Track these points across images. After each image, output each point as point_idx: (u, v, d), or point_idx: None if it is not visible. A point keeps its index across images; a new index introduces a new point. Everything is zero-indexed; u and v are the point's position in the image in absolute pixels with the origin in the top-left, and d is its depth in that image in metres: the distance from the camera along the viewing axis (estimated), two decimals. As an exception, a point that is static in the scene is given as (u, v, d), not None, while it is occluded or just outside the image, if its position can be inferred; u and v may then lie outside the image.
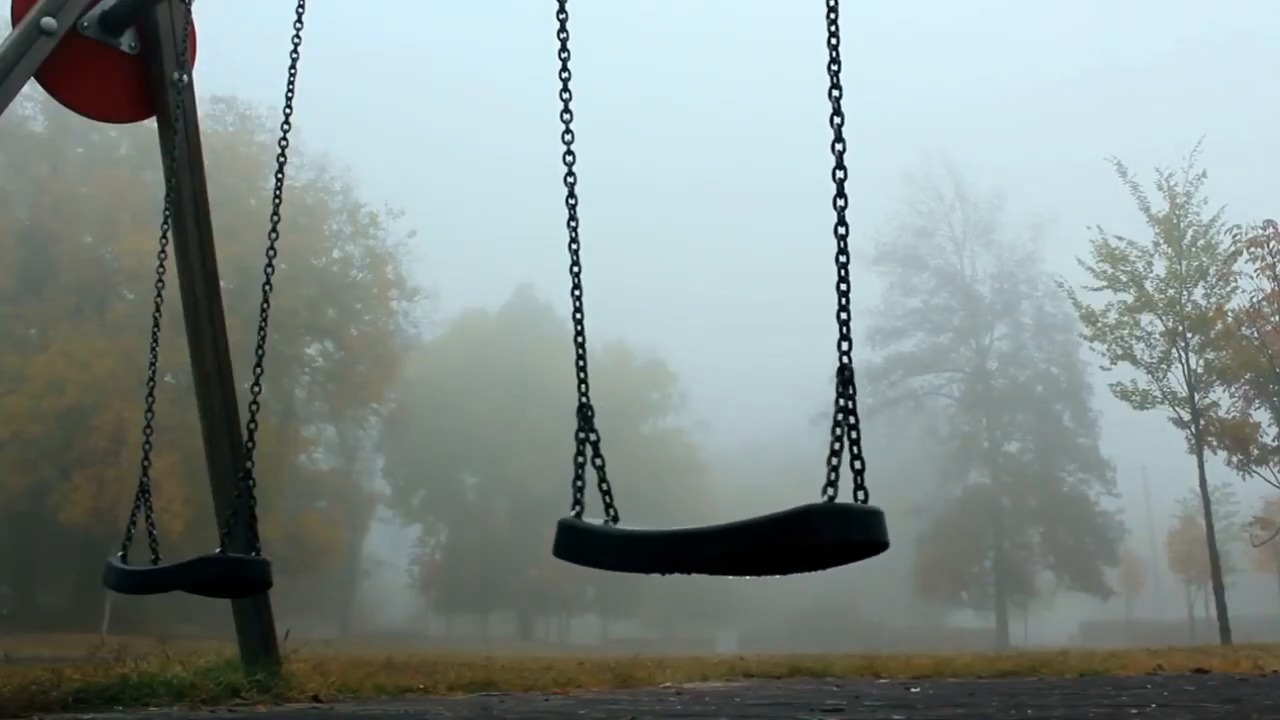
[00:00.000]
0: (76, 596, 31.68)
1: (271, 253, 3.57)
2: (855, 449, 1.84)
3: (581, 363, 2.33)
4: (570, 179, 2.41)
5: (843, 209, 1.92)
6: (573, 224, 2.40)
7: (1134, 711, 3.30)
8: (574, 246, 2.39)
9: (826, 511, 1.75)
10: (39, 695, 3.74)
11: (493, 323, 58.48)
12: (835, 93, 1.95)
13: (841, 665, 8.03)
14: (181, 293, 4.56)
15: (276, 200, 3.68)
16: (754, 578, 2.05)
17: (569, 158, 2.42)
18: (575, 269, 2.38)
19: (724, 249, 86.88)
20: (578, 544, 2.07)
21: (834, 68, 1.96)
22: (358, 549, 49.19)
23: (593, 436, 2.21)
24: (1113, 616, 55.24)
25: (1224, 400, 22.28)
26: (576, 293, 2.36)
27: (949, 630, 50.84)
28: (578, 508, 2.13)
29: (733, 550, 1.82)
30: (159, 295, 3.93)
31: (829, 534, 1.74)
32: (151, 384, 3.88)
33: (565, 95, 2.44)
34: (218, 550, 3.51)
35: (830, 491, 1.78)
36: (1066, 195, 52.71)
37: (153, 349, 3.89)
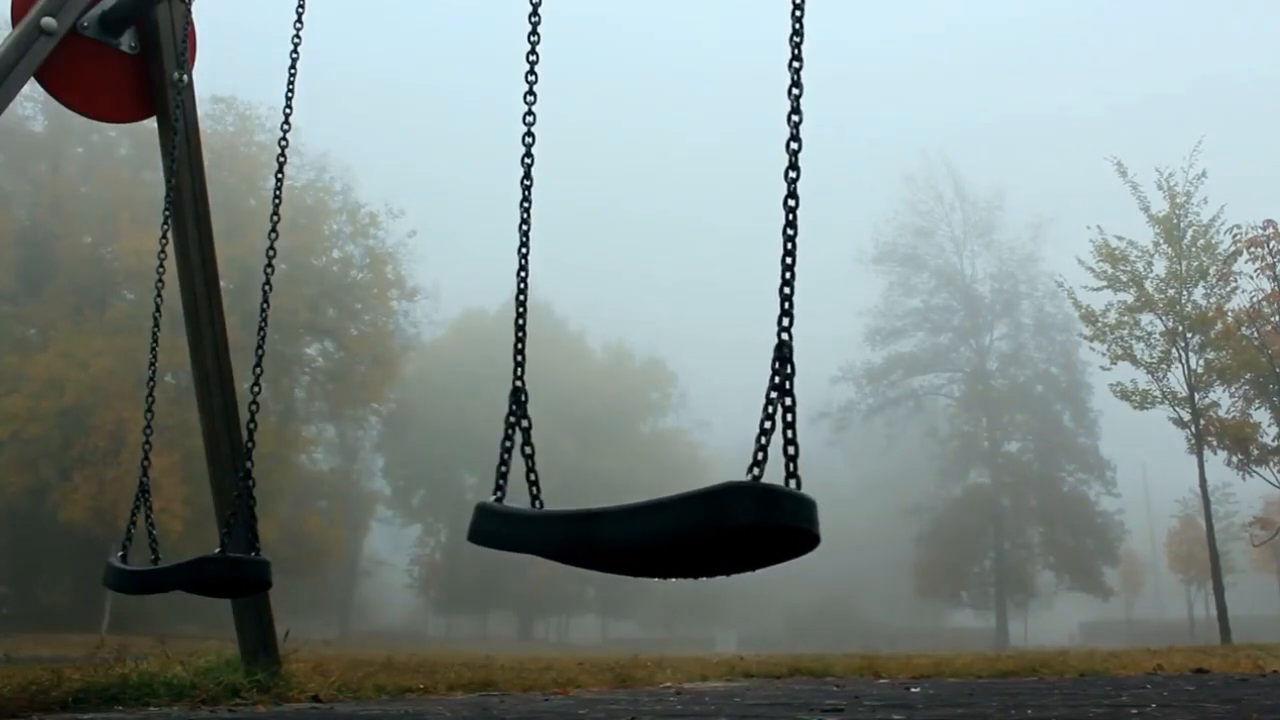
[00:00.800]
0: (76, 596, 31.65)
1: (271, 253, 3.57)
2: (790, 432, 1.71)
3: (520, 345, 2.30)
4: (528, 160, 2.42)
5: (794, 180, 1.86)
6: (525, 205, 2.41)
7: (1134, 711, 3.30)
8: (525, 228, 2.39)
9: (746, 490, 1.60)
10: (39, 695, 3.74)
11: (493, 323, 58.41)
12: (795, 64, 1.92)
13: (841, 665, 8.04)
14: (181, 293, 4.56)
15: (276, 200, 3.69)
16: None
17: (528, 139, 2.42)
18: (523, 249, 2.38)
19: (725, 249, 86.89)
20: (492, 527, 1.98)
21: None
22: (358, 549, 49.18)
23: (525, 423, 2.17)
24: (1113, 616, 55.26)
25: (1224, 400, 22.30)
26: (522, 274, 2.36)
27: (949, 630, 50.85)
28: (499, 493, 2.07)
29: (647, 529, 1.69)
30: (159, 295, 3.93)
31: (747, 514, 1.58)
32: (151, 384, 3.88)
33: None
34: (218, 550, 3.51)
35: (755, 471, 1.65)
36: (1066, 195, 52.74)
37: (153, 349, 3.89)
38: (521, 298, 2.33)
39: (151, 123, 4.68)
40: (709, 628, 54.43)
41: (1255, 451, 21.71)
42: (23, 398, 27.95)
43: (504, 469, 2.13)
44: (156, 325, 3.90)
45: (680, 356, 61.03)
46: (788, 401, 1.72)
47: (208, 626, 24.60)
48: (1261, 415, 22.14)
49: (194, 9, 4.57)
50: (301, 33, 3.73)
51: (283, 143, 3.73)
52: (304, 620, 35.86)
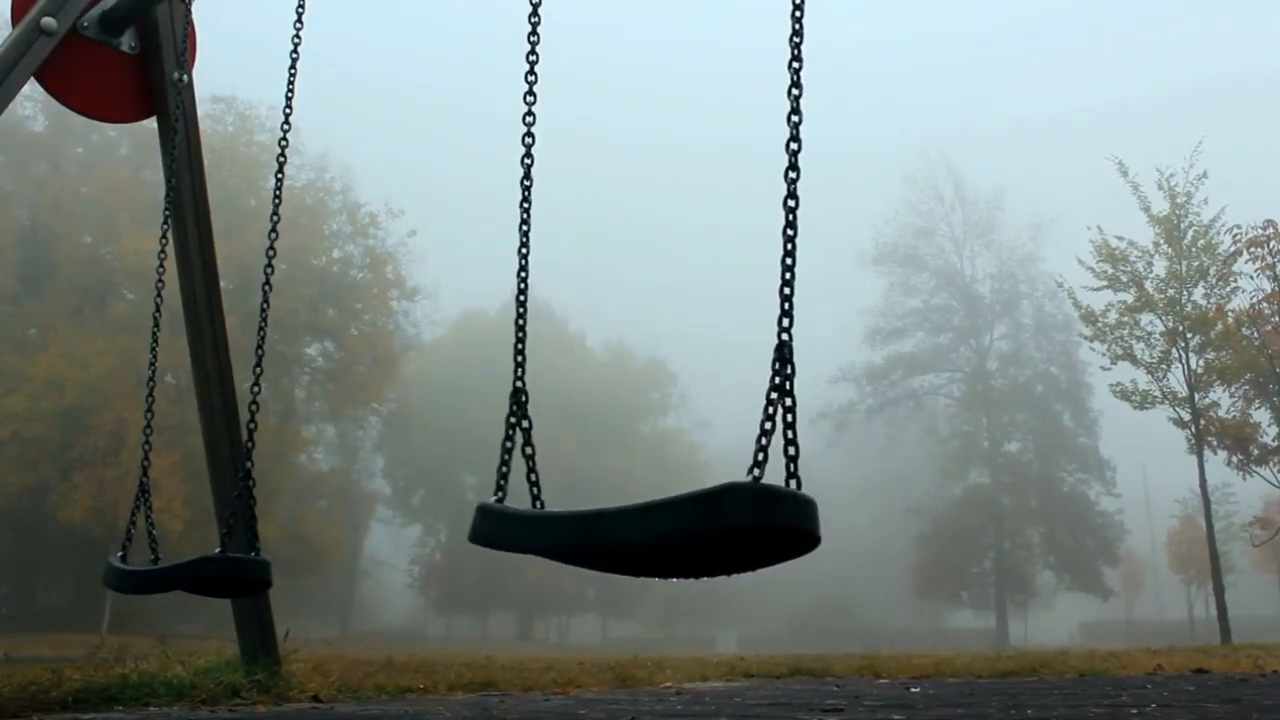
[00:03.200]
0: (76, 596, 31.67)
1: (271, 253, 3.57)
2: (790, 432, 1.72)
3: (520, 346, 2.31)
4: (528, 160, 2.42)
5: (794, 180, 1.86)
6: (525, 205, 2.41)
7: (1134, 711, 3.30)
8: (525, 229, 2.39)
9: (747, 490, 1.61)
10: (39, 695, 3.74)
11: (493, 323, 58.41)
12: (795, 65, 1.92)
13: (841, 665, 8.04)
14: (181, 293, 4.56)
15: (276, 200, 3.69)
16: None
17: (528, 139, 2.42)
18: (524, 249, 2.38)
19: (725, 249, 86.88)
20: (490, 527, 1.98)
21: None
22: (358, 549, 49.18)
23: (525, 423, 2.17)
24: (1113, 616, 55.26)
25: (1224, 400, 22.29)
26: (522, 274, 2.36)
27: (949, 630, 50.84)
28: (500, 494, 2.07)
29: (648, 529, 1.70)
30: (159, 295, 3.93)
31: (748, 515, 1.59)
32: (151, 384, 3.88)
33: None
34: (218, 550, 3.51)
35: (756, 471, 1.66)
36: (1066, 196, 52.77)
37: (153, 349, 3.89)
38: (522, 298, 2.34)
39: (151, 123, 4.68)
40: (709, 628, 54.42)
41: (1255, 451, 21.71)
42: (23, 398, 27.94)
43: (505, 469, 2.13)
44: (156, 325, 3.90)
45: (680, 356, 61.08)
46: (788, 402, 1.73)
47: (208, 626, 24.61)
48: (1261, 415, 22.15)
49: (194, 9, 4.57)
50: (301, 33, 3.73)
51: (283, 143, 3.73)
52: (304, 620, 35.86)
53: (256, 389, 3.39)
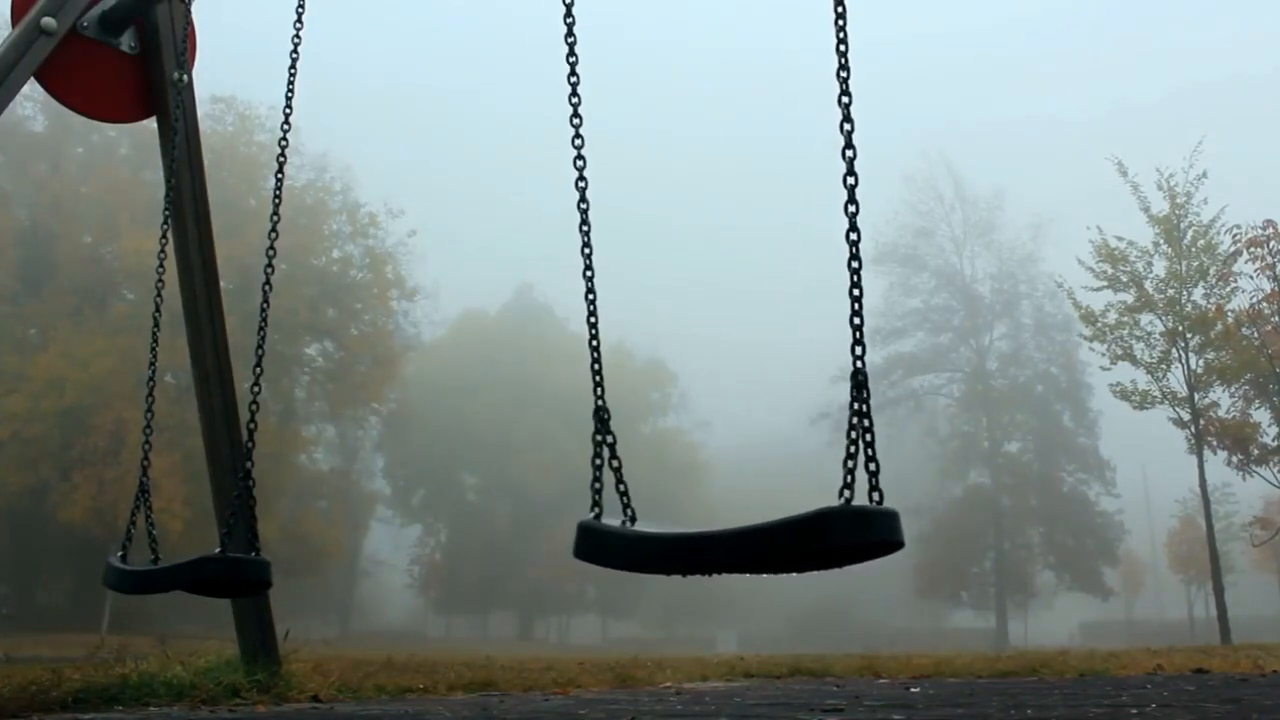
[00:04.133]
0: (76, 596, 31.67)
1: (271, 253, 3.57)
2: (870, 451, 1.85)
3: (597, 366, 2.38)
4: (581, 183, 2.43)
5: (854, 215, 1.95)
6: (585, 228, 2.42)
7: (1134, 711, 3.30)
8: (587, 251, 2.42)
9: (844, 514, 1.77)
10: (39, 695, 3.74)
11: (493, 323, 58.48)
12: (844, 99, 1.97)
13: (841, 665, 8.04)
14: (181, 293, 4.56)
15: (276, 200, 3.68)
16: (756, 577, 2.06)
17: (579, 162, 2.43)
18: (588, 273, 2.40)
19: (725, 249, 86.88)
20: (596, 546, 2.10)
21: (843, 74, 1.97)
22: (358, 549, 49.18)
23: (610, 439, 2.23)
24: (1113, 616, 55.26)
25: (1224, 400, 22.29)
26: (591, 296, 2.40)
27: (949, 630, 50.84)
28: (597, 509, 2.15)
29: (751, 553, 1.84)
30: (159, 295, 3.93)
31: (847, 537, 1.77)
32: (151, 384, 3.87)
33: (574, 100, 2.46)
34: (218, 550, 3.51)
35: (846, 494, 1.80)
36: (1066, 196, 52.76)
37: (153, 349, 3.89)
38: (592, 319, 2.40)
39: (151, 123, 4.67)
40: (709, 628, 54.42)
41: (1255, 451, 21.70)
42: (23, 398, 27.95)
43: (598, 485, 2.19)
44: (156, 325, 3.89)
45: (680, 356, 61.09)
46: (867, 424, 1.87)
47: (208, 626, 24.59)
48: (1261, 415, 22.14)
49: (194, 9, 4.57)
50: (301, 33, 3.73)
51: (283, 143, 3.73)
52: (304, 620, 35.85)
53: (256, 389, 3.39)
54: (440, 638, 52.81)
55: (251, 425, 3.42)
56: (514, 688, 5.54)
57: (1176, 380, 22.04)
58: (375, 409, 41.51)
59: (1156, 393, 22.16)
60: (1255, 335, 21.63)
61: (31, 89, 4.43)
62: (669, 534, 2.00)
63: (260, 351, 3.45)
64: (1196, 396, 21.78)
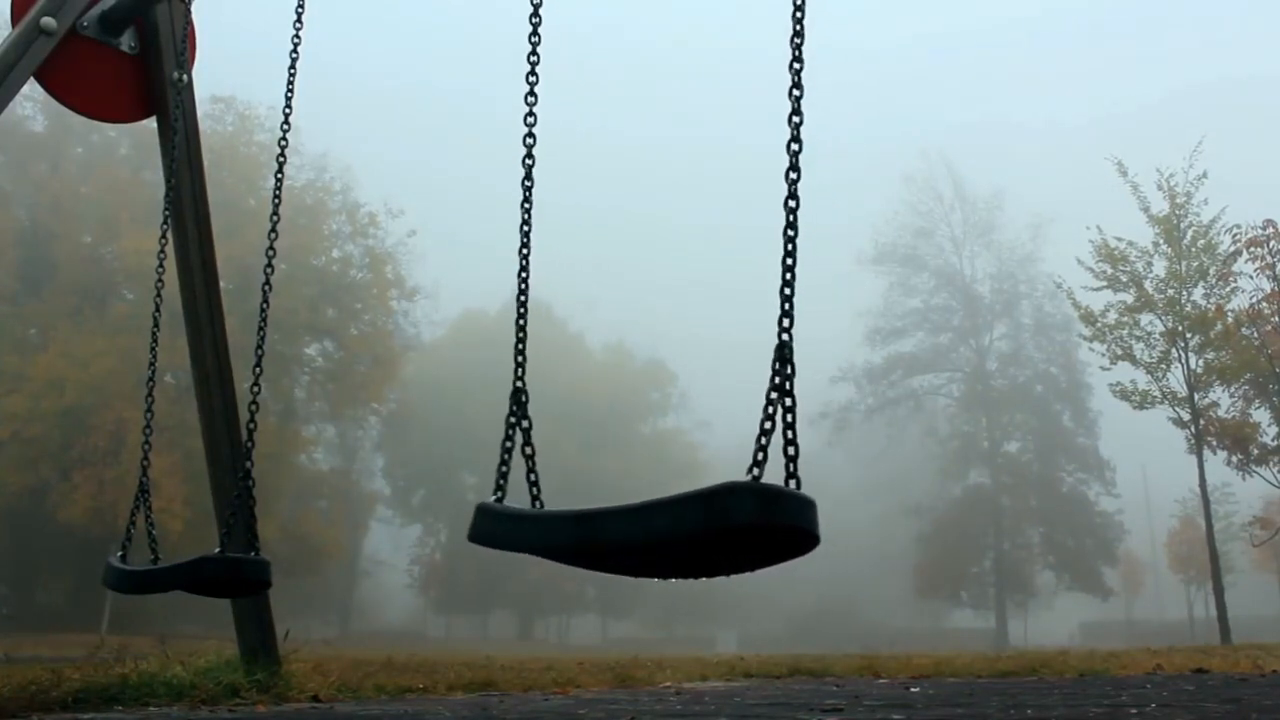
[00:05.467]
0: (76, 596, 31.65)
1: (271, 253, 3.57)
2: (790, 432, 1.72)
3: (520, 346, 2.32)
4: (528, 160, 2.43)
5: (794, 181, 1.88)
6: (526, 206, 2.42)
7: (1134, 711, 3.30)
8: (525, 229, 2.41)
9: (746, 490, 1.61)
10: (39, 695, 3.74)
11: (493, 323, 58.39)
12: (796, 66, 1.93)
13: (841, 665, 8.04)
14: (181, 293, 4.56)
15: (276, 200, 3.69)
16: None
17: (529, 140, 2.43)
18: (524, 250, 2.39)
19: (724, 249, 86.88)
20: (489, 527, 2.00)
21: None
22: (358, 549, 49.17)
23: (525, 423, 2.19)
24: (1112, 616, 55.25)
25: (1224, 400, 22.29)
26: (523, 275, 2.37)
27: (949, 630, 50.84)
28: (499, 494, 2.08)
29: (647, 529, 1.70)
30: (159, 295, 3.93)
31: (747, 514, 1.59)
32: (151, 384, 3.88)
33: (531, 92, 2.45)
34: (218, 550, 3.51)
35: (755, 471, 1.66)
36: (1066, 196, 52.77)
37: (153, 349, 3.89)
38: (522, 298, 2.35)
39: (151, 123, 4.68)
40: (709, 628, 54.41)
41: (1255, 451, 21.70)
42: (23, 398, 27.94)
43: (504, 469, 2.14)
44: (156, 325, 3.90)
45: (680, 356, 61.08)
46: (788, 402, 1.73)
47: (208, 626, 24.59)
48: (1261, 415, 22.14)
49: (194, 9, 4.57)
50: (301, 33, 3.74)
51: (283, 143, 3.73)
52: (304, 620, 35.86)
53: (256, 389, 3.39)
54: (440, 638, 52.80)
55: (251, 425, 3.43)
56: (514, 688, 5.54)
57: (1176, 380, 22.06)
58: (375, 409, 41.51)
59: (1156, 393, 22.17)
60: (1255, 335, 21.63)
61: (31, 89, 4.43)
62: (564, 511, 1.87)
63: (260, 351, 3.46)
64: (1196, 396, 21.78)
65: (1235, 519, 36.16)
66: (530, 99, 2.43)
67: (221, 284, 4.73)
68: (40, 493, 29.31)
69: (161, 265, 3.98)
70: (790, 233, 1.85)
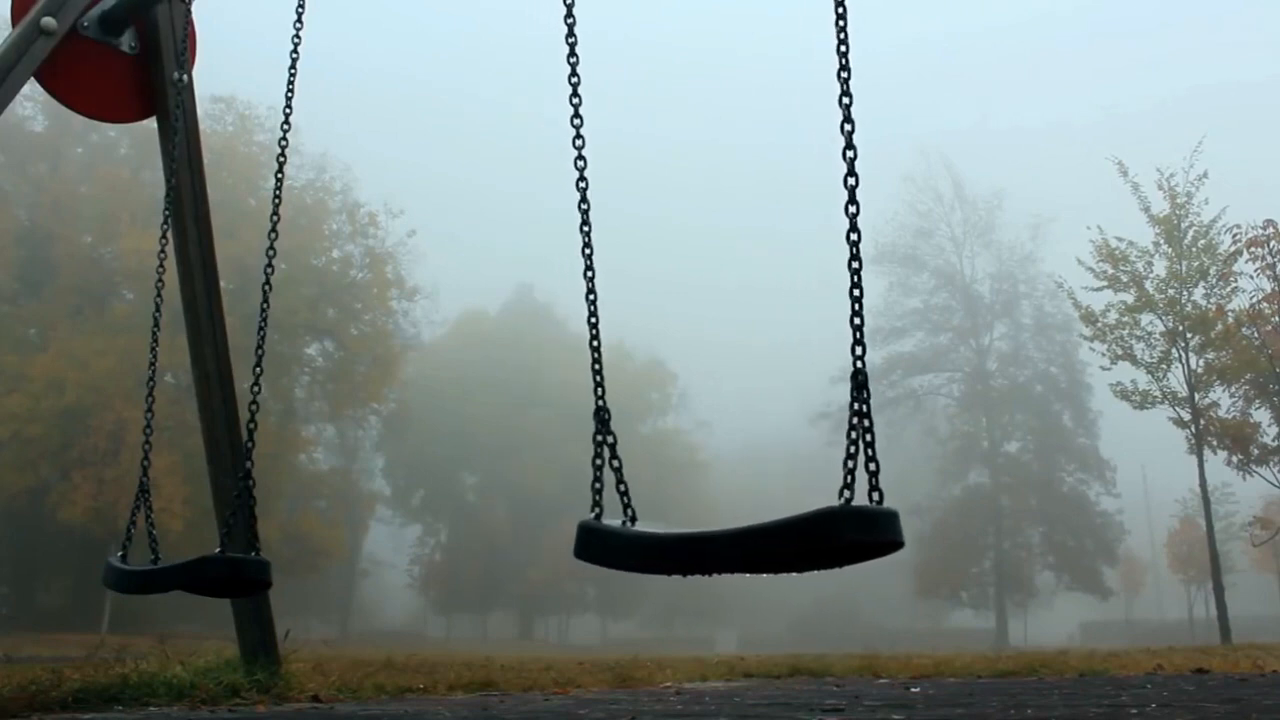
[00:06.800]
0: (76, 596, 31.67)
1: (271, 253, 3.57)
2: (870, 451, 1.85)
3: (597, 366, 2.38)
4: (582, 184, 2.43)
5: (855, 215, 1.94)
6: (585, 229, 2.43)
7: (1134, 711, 3.30)
8: (588, 251, 2.42)
9: (845, 514, 1.77)
10: (39, 695, 3.74)
11: (493, 323, 58.50)
12: (845, 100, 1.97)
13: (841, 665, 8.03)
14: (181, 293, 4.56)
15: (276, 200, 3.69)
16: (756, 577, 2.06)
17: (580, 162, 2.43)
18: (589, 273, 2.41)
19: (724, 249, 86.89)
20: (598, 546, 2.11)
21: (843, 75, 1.97)
22: (358, 549, 49.18)
23: (610, 439, 2.23)
24: (1112, 616, 55.24)
25: (1224, 400, 22.27)
26: (591, 297, 2.41)
27: (949, 630, 50.83)
28: (597, 510, 2.15)
29: (752, 553, 1.85)
30: (159, 295, 3.93)
31: (848, 536, 1.77)
32: (151, 384, 3.87)
33: (575, 100, 2.46)
34: (218, 550, 3.51)
35: (847, 494, 1.80)
36: (1066, 196, 52.76)
37: (153, 349, 3.89)
38: (593, 319, 2.40)
39: (151, 123, 4.67)
40: (709, 628, 54.41)
41: (1255, 451, 21.68)
42: (23, 398, 27.94)
43: (598, 485, 2.19)
44: (156, 325, 3.90)
45: (680, 356, 61.10)
46: (867, 424, 1.86)
47: (208, 626, 24.59)
48: (1261, 415, 22.13)
49: (194, 9, 4.57)
50: (301, 32, 3.73)
51: (283, 143, 3.73)
52: (304, 620, 35.89)
53: (256, 389, 3.39)
54: (440, 638, 52.79)
55: (251, 425, 3.42)
56: (514, 688, 5.54)
57: (1176, 380, 22.04)
58: (375, 409, 41.51)
59: (1156, 393, 22.16)
60: (1255, 335, 21.61)
61: (31, 89, 4.43)
62: (670, 534, 2.00)
63: (260, 351, 3.45)
64: (1196, 396, 21.77)
65: (1235, 519, 36.17)
66: (576, 121, 2.44)
67: (221, 284, 4.73)
68: (40, 493, 29.31)
69: (161, 265, 3.97)
70: (855, 265, 1.95)
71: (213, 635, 16.60)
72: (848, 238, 1.93)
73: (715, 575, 2.05)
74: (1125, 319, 22.52)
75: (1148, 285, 22.41)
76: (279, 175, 3.80)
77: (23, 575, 33.27)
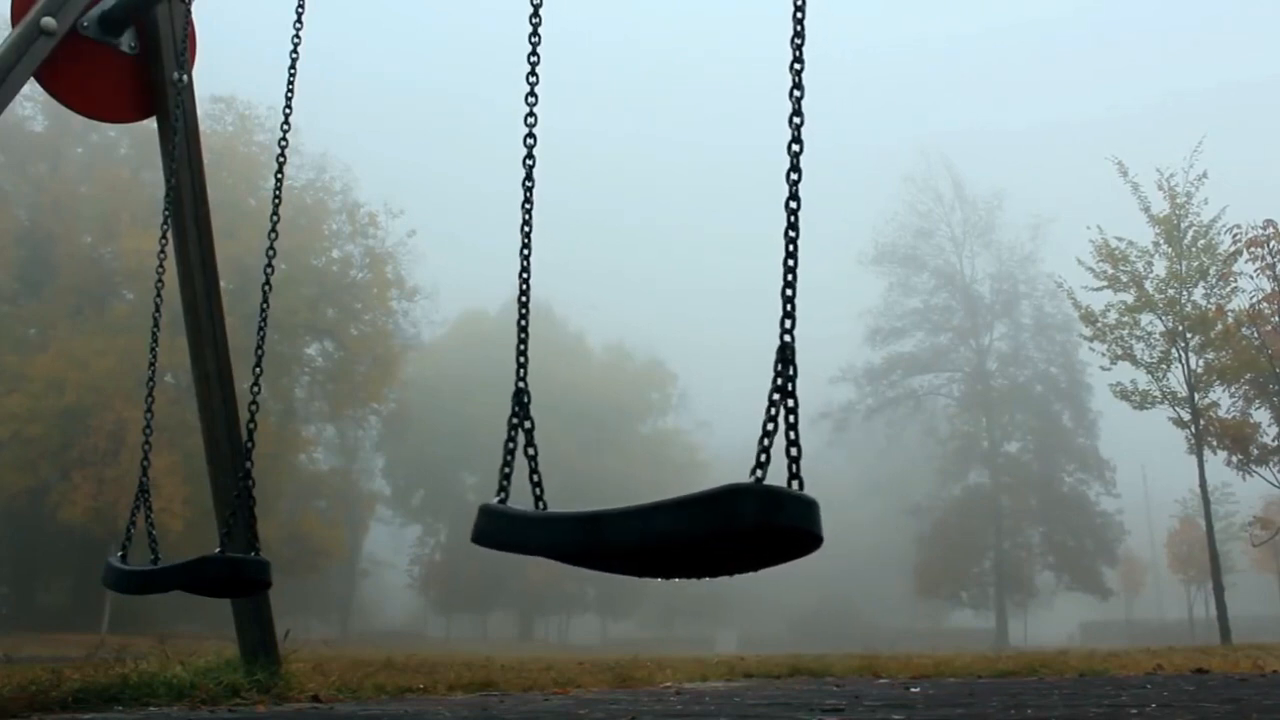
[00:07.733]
0: (76, 596, 31.67)
1: (271, 253, 3.58)
2: (792, 433, 1.73)
3: (522, 346, 2.30)
4: (529, 161, 2.42)
5: (795, 182, 1.87)
6: (527, 206, 2.41)
7: (1134, 711, 3.30)
8: (526, 230, 2.40)
9: (750, 491, 1.62)
10: (39, 695, 3.74)
11: (493, 323, 58.39)
12: (796, 66, 1.93)
13: (841, 665, 8.04)
14: (181, 293, 4.56)
15: (276, 200, 3.69)
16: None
17: (529, 140, 2.42)
18: (525, 251, 2.39)
19: (724, 250, 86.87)
20: (492, 529, 2.00)
21: (797, 42, 1.94)
22: (358, 549, 49.18)
23: (528, 423, 2.17)
24: (1112, 616, 55.25)
25: (1224, 400, 22.27)
26: (524, 275, 2.37)
27: (949, 630, 50.83)
28: (502, 494, 2.07)
29: (651, 530, 1.71)
30: (159, 295, 3.93)
31: (751, 516, 1.61)
32: (151, 384, 3.88)
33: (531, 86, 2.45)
34: (218, 550, 3.51)
35: (759, 473, 1.67)
36: (1066, 196, 52.77)
37: (153, 349, 3.89)
38: (523, 299, 2.34)
39: (151, 123, 4.67)
40: (709, 628, 54.39)
41: (1255, 451, 21.68)
42: (23, 398, 27.94)
43: (507, 470, 2.12)
44: (156, 325, 3.90)
45: (680, 357, 61.09)
46: (790, 403, 1.73)
47: (208, 626, 24.59)
48: (1261, 415, 22.13)
49: (194, 9, 4.57)
50: (301, 33, 3.74)
51: (283, 143, 3.73)
52: (304, 620, 35.89)
53: (256, 389, 3.39)
54: (440, 638, 52.78)
55: (251, 425, 3.43)
56: (514, 688, 5.54)
57: (1176, 380, 22.04)
58: (375, 409, 41.51)
59: (1156, 393, 22.15)
60: (1255, 335, 21.61)
61: (31, 89, 4.43)
62: (564, 513, 1.88)
63: (260, 351, 3.46)
64: (1196, 396, 21.77)
65: (1235, 519, 36.15)
66: (530, 99, 2.42)
67: (221, 284, 4.73)
68: (40, 493, 29.30)
69: (161, 265, 3.98)
70: (791, 234, 1.84)
71: (213, 635, 16.60)
72: (786, 205, 1.85)
73: (619, 575, 1.95)
74: (1125, 319, 22.52)
75: (1148, 285, 22.41)
76: (279, 175, 3.80)
77: (23, 575, 33.26)
